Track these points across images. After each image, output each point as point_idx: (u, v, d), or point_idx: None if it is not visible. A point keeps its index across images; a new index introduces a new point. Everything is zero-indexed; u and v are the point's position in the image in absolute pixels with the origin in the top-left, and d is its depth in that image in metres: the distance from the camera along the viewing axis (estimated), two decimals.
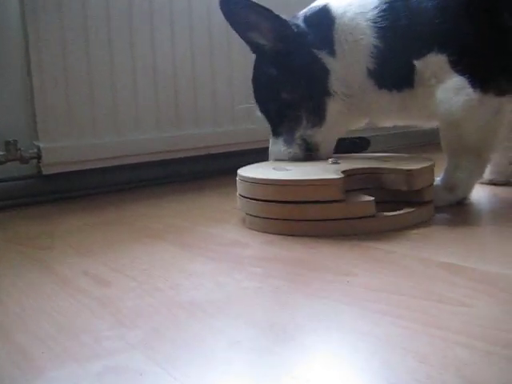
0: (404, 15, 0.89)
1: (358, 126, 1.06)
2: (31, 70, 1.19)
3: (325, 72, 0.95)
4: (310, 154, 0.98)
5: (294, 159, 0.98)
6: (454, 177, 0.93)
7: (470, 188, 0.95)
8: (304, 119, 0.97)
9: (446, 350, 0.44)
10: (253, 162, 1.00)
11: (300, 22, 0.97)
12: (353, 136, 1.11)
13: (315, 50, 0.95)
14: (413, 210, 0.83)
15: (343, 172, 0.81)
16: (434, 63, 0.87)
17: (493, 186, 1.11)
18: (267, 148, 1.03)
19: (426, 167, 0.85)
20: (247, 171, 0.91)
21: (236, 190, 0.91)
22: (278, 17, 0.95)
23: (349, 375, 0.42)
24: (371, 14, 0.91)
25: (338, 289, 0.59)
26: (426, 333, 0.47)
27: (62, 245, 0.87)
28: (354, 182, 0.84)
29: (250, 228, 0.88)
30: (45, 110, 1.21)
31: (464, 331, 0.47)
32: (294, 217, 0.82)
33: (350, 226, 0.79)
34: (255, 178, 0.85)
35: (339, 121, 0.99)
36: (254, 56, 1.02)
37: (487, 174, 1.09)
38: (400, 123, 1.02)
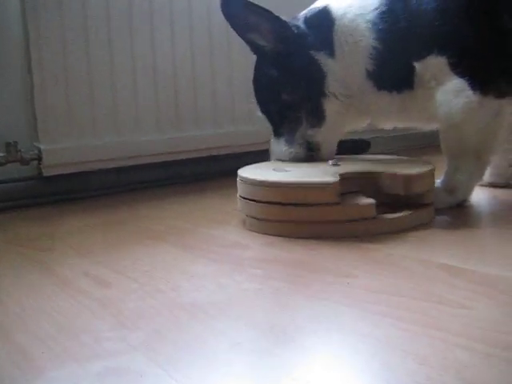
0: (404, 17, 0.89)
1: (358, 126, 1.06)
2: (32, 68, 1.19)
3: (324, 73, 0.95)
4: (311, 154, 0.99)
5: (296, 159, 0.98)
6: (454, 179, 0.93)
7: (470, 190, 0.95)
8: (304, 120, 0.97)
9: (445, 351, 0.44)
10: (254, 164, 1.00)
11: (300, 24, 0.97)
12: (353, 138, 1.11)
13: (315, 52, 0.95)
14: (413, 212, 0.83)
15: (340, 175, 0.81)
16: (433, 65, 0.87)
17: (493, 188, 1.11)
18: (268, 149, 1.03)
19: (424, 172, 0.85)
20: (247, 172, 0.91)
21: (237, 192, 0.91)
22: (278, 18, 0.96)
23: (349, 377, 0.42)
24: (371, 16, 0.91)
25: (338, 290, 0.59)
26: (426, 334, 0.47)
27: (63, 246, 0.87)
28: (352, 184, 0.83)
29: (250, 230, 0.88)
30: (45, 110, 1.21)
31: (464, 333, 0.47)
32: (293, 219, 0.82)
33: (350, 228, 0.79)
34: (252, 180, 0.85)
35: (339, 121, 0.99)
36: (254, 56, 1.02)
37: (487, 176, 1.09)
38: (400, 125, 1.02)
